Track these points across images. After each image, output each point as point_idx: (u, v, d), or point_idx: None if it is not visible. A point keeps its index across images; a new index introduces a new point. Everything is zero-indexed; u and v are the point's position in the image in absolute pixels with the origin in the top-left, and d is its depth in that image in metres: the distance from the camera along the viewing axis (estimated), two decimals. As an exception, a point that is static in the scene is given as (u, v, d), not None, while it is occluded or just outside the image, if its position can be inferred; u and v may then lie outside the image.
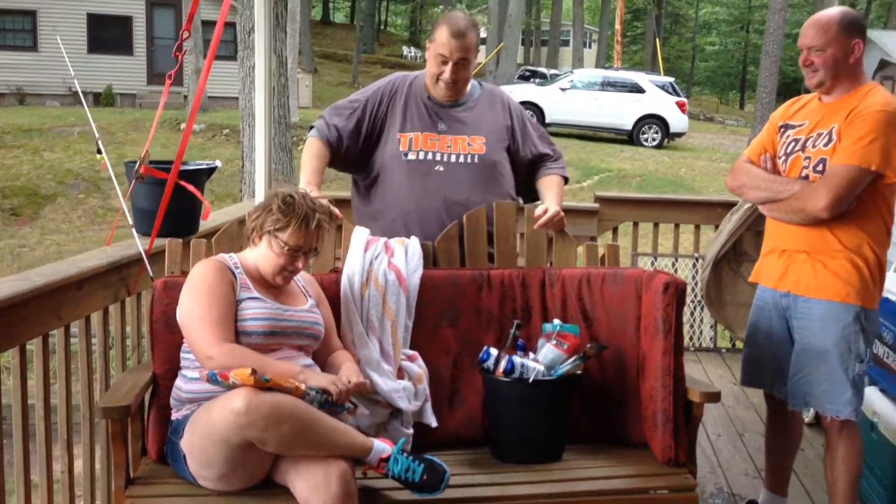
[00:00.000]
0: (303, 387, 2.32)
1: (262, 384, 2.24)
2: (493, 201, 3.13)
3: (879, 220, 2.80)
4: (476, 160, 3.14)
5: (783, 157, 2.95)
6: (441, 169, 3.11)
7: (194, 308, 2.46)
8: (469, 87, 3.23)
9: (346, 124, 3.17)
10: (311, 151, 3.15)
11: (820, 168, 2.79)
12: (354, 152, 3.19)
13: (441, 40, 3.05)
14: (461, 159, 3.13)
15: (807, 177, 2.84)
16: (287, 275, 2.58)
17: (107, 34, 23.63)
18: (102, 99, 22.48)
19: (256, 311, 2.51)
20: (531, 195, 3.35)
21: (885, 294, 3.36)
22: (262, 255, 2.58)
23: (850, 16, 2.82)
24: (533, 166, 3.31)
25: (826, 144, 2.79)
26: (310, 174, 3.08)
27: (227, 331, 2.43)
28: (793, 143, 2.92)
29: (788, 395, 2.97)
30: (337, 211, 3.01)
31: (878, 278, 2.84)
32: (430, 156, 3.12)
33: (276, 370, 2.35)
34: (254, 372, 2.23)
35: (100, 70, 22.29)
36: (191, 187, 3.57)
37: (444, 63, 3.07)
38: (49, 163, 15.54)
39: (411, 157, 3.12)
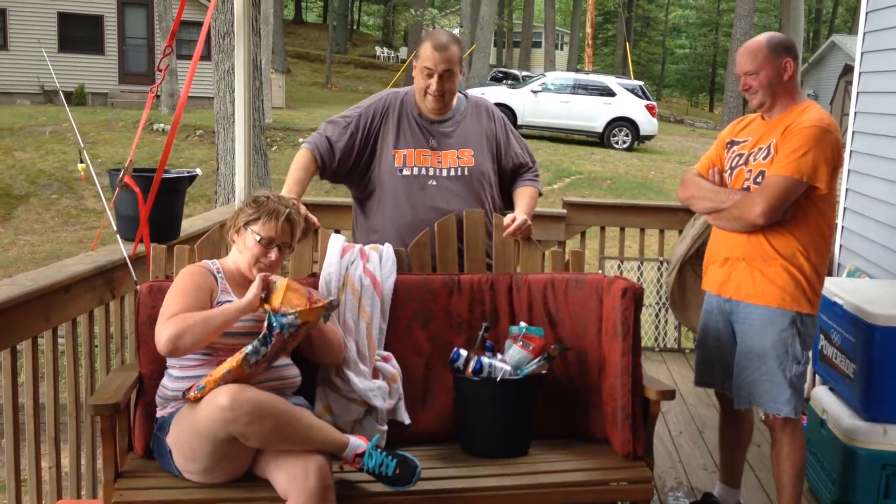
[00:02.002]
0: (241, 357, 2.44)
1: (204, 392, 2.43)
2: (483, 210, 3.29)
3: (814, 229, 2.99)
4: (466, 172, 3.29)
5: (729, 171, 3.14)
6: (434, 183, 3.26)
7: (167, 304, 2.61)
8: (455, 100, 3.37)
9: (340, 137, 3.29)
10: (297, 163, 3.28)
11: (759, 179, 2.98)
12: (347, 165, 3.32)
13: (426, 54, 3.21)
14: (452, 172, 3.28)
15: (748, 188, 3.02)
16: (262, 266, 2.71)
17: (78, 33, 23.43)
18: (74, 98, 22.33)
19: None
20: (510, 203, 3.51)
21: (834, 298, 3.56)
22: (239, 250, 2.74)
23: (776, 38, 3.05)
24: (514, 175, 3.46)
25: (765, 158, 2.99)
26: (292, 184, 3.21)
27: None
28: (737, 158, 3.12)
29: (734, 394, 3.15)
30: (314, 218, 3.15)
31: (815, 285, 3.02)
32: (423, 171, 3.27)
33: (219, 323, 2.52)
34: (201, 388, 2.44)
35: (71, 69, 22.15)
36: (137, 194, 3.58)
37: (430, 76, 3.21)
38: (21, 163, 15.47)
39: (406, 172, 3.26)
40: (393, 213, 3.27)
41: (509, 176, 3.46)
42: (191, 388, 2.47)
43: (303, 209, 3.10)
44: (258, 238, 2.69)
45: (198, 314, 2.53)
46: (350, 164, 3.32)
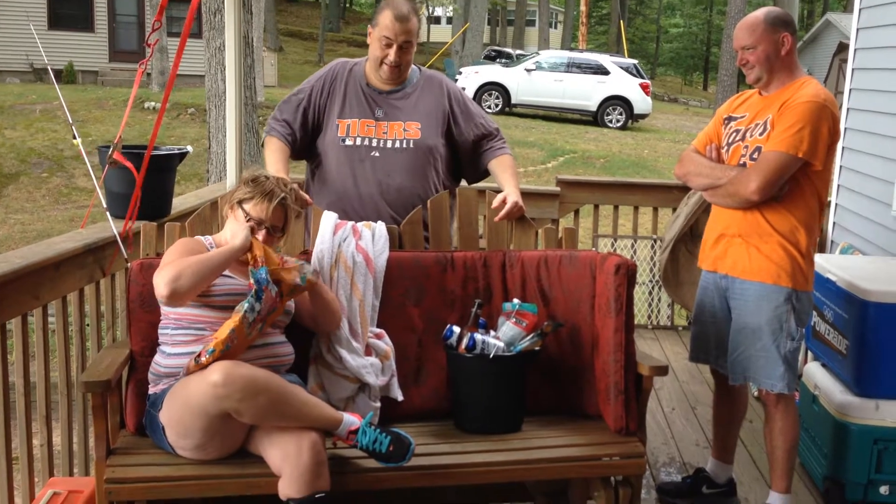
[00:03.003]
0: (239, 316, 2.45)
1: (215, 356, 2.43)
2: (427, 186, 3.26)
3: (810, 206, 2.98)
4: (411, 145, 3.25)
5: (726, 147, 3.13)
6: (377, 154, 3.22)
7: (163, 261, 2.61)
8: (409, 72, 3.33)
9: (295, 116, 3.29)
10: (271, 148, 3.27)
11: (755, 155, 2.97)
12: (306, 141, 3.32)
13: (385, 23, 3.15)
14: (396, 144, 3.24)
15: (745, 164, 3.01)
16: None
17: (68, 10, 23.18)
18: (64, 76, 22.14)
19: (227, 286, 2.63)
20: (477, 173, 3.48)
21: (827, 274, 3.56)
22: (230, 225, 2.73)
23: (774, 13, 3.02)
24: (477, 146, 3.41)
25: (761, 133, 2.97)
26: (276, 164, 3.20)
27: None
28: (734, 134, 3.10)
29: (729, 370, 3.15)
30: (305, 195, 3.14)
31: (810, 262, 3.02)
32: (366, 142, 3.23)
33: (215, 264, 2.54)
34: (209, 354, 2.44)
35: (61, 47, 21.92)
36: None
37: (389, 46, 3.16)
38: (11, 141, 15.35)
39: (348, 142, 3.23)
40: (334, 183, 3.25)
41: (472, 147, 3.41)
42: (199, 354, 2.45)
43: (294, 186, 3.09)
44: (247, 218, 2.67)
45: (194, 257, 2.54)
46: (308, 139, 3.32)
